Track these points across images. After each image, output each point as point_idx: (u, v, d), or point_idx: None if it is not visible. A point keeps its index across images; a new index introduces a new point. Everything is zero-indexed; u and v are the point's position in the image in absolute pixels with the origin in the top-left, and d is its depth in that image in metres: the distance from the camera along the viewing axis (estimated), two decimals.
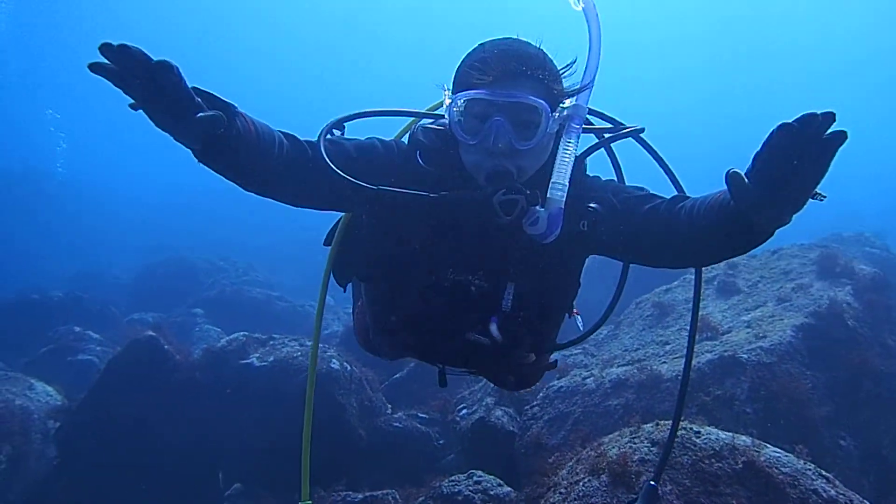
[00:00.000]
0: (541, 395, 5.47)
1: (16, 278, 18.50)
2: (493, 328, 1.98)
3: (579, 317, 2.46)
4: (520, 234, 1.85)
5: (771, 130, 1.32)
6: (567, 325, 2.45)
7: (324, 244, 2.38)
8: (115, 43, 1.38)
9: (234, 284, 14.77)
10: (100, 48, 1.37)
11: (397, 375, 7.45)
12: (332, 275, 2.43)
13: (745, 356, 4.43)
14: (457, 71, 1.95)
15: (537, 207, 1.81)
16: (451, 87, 1.96)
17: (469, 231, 1.92)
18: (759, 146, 1.37)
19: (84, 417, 5.98)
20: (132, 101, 1.47)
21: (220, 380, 6.08)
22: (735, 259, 6.28)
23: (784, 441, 3.94)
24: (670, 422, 3.07)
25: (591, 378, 5.15)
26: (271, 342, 6.60)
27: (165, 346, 6.03)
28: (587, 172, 2.10)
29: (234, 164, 1.73)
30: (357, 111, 2.07)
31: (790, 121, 1.28)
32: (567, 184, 1.80)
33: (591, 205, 1.89)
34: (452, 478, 4.77)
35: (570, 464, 3.21)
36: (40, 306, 11.95)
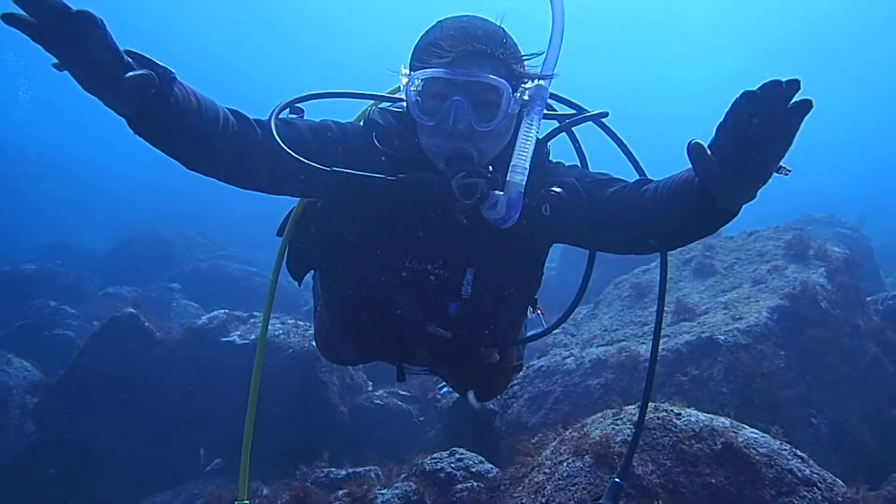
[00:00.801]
0: (520, 373, 5.55)
1: None
2: (452, 313, 1.93)
3: (543, 317, 2.39)
4: (479, 219, 1.79)
5: (734, 98, 1.27)
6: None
7: (277, 234, 2.26)
8: None
9: (211, 259, 14.64)
10: None
11: None
12: (287, 267, 2.28)
13: (721, 338, 4.54)
14: (414, 49, 1.86)
15: (496, 191, 1.73)
16: (409, 67, 1.86)
17: (427, 216, 1.86)
18: (723, 116, 1.32)
19: (63, 393, 5.95)
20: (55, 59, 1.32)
21: (200, 357, 6.08)
22: (711, 241, 6.40)
23: (759, 420, 4.06)
24: (652, 404, 3.16)
25: (571, 358, 5.24)
26: (252, 320, 6.60)
27: (146, 324, 6.00)
28: (550, 158, 2.03)
29: (172, 137, 1.60)
30: (311, 92, 1.96)
31: (753, 88, 1.24)
32: (528, 167, 1.74)
33: (554, 188, 1.84)
34: (434, 455, 4.83)
35: (554, 444, 3.28)
36: (12, 279, 11.77)
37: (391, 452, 5.81)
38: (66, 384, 5.98)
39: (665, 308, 5.26)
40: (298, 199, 2.21)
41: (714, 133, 1.34)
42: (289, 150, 1.70)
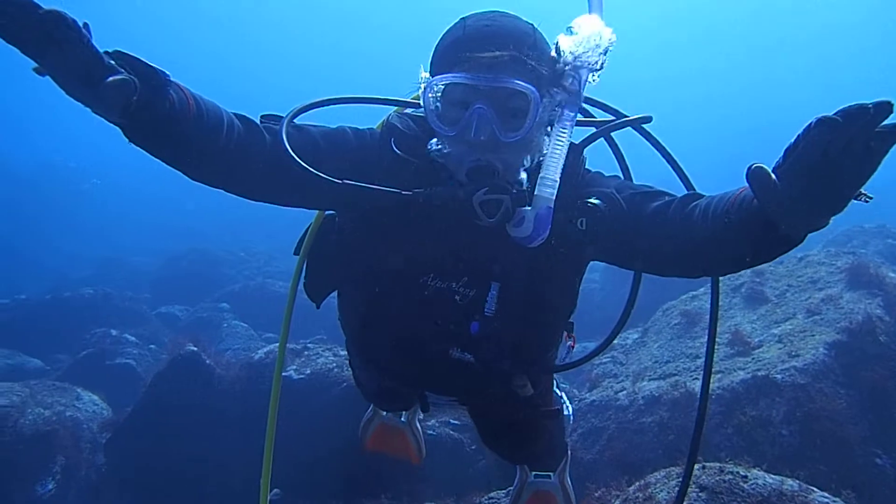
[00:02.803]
0: (573, 406, 5.62)
1: (44, 267, 18.94)
2: (473, 332, 1.78)
3: (575, 347, 2.24)
4: (506, 237, 1.64)
5: (807, 124, 1.11)
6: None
7: (294, 254, 2.15)
8: None
9: (257, 277, 14.99)
10: None
11: None
12: (304, 289, 2.15)
13: (779, 377, 4.54)
14: (435, 50, 1.71)
15: (524, 207, 1.60)
16: (429, 69, 1.73)
17: (448, 233, 1.72)
18: (792, 139, 1.15)
19: (132, 430, 6.20)
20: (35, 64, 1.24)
21: (260, 393, 6.27)
22: (760, 266, 6.36)
23: (822, 463, 4.07)
24: (717, 464, 3.20)
25: (624, 392, 5.28)
26: (306, 352, 6.77)
27: (207, 361, 6.21)
28: (587, 167, 1.88)
29: (169, 145, 1.49)
30: (327, 97, 1.82)
31: (832, 114, 1.06)
32: (558, 179, 1.59)
33: (591, 200, 1.68)
34: (491, 495, 4.95)
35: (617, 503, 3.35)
36: (72, 304, 12.26)
37: (445, 484, 5.92)
38: (134, 421, 6.23)
39: (718, 339, 5.22)
40: (315, 213, 2.09)
41: (782, 156, 1.18)
42: (298, 160, 1.58)
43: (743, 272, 6.19)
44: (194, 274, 15.85)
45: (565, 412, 3.21)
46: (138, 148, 1.46)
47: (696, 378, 5.07)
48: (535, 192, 1.59)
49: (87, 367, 8.68)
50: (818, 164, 1.11)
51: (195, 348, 6.24)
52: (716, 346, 5.32)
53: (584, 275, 1.97)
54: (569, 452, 2.93)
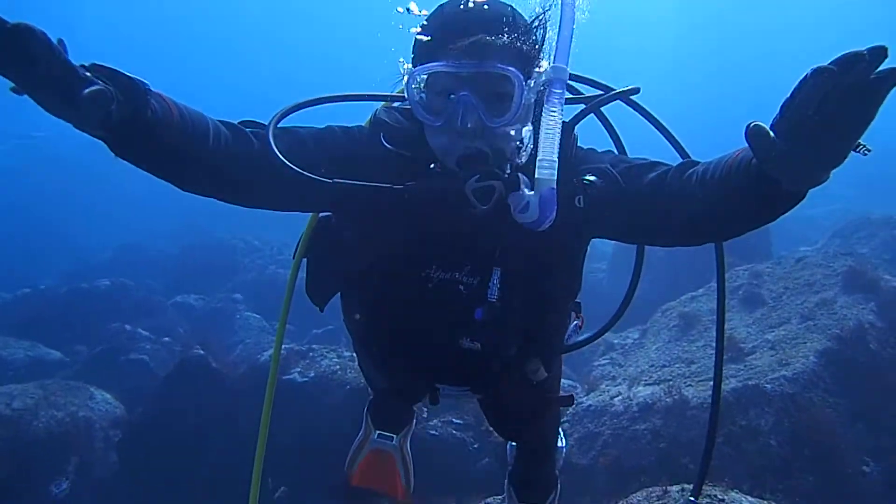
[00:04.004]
0: (570, 410, 5.72)
1: (64, 253, 19.30)
2: (478, 319, 1.75)
3: (581, 329, 2.24)
4: (502, 217, 1.62)
5: (803, 76, 1.09)
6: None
7: (292, 257, 2.12)
8: None
9: (271, 266, 15.16)
10: None
11: None
12: (306, 292, 2.10)
13: (768, 386, 4.60)
14: (415, 40, 1.68)
15: (525, 191, 1.58)
16: (410, 61, 1.71)
17: (445, 223, 1.68)
18: (788, 94, 1.14)
19: (142, 430, 6.41)
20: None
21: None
22: (759, 268, 6.38)
23: (809, 472, 4.14)
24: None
25: (619, 398, 5.37)
26: (311, 354, 6.91)
27: (213, 364, 6.38)
28: (579, 144, 1.85)
29: (155, 156, 1.47)
30: (311, 98, 1.80)
31: (826, 64, 1.05)
32: (556, 159, 1.56)
33: (587, 177, 1.68)
34: (488, 500, 5.08)
35: None
36: (90, 295, 12.52)
37: (447, 484, 6.07)
38: (145, 421, 6.44)
39: (711, 344, 5.24)
40: (309, 215, 2.08)
41: (779, 112, 1.17)
42: (287, 163, 1.56)
43: (741, 274, 6.22)
44: (209, 262, 16.05)
45: (560, 444, 3.25)
46: (125, 161, 1.43)
47: (690, 384, 5.14)
48: (535, 176, 1.56)
49: (102, 362, 8.90)
50: (815, 117, 1.10)
51: (202, 352, 6.41)
52: (710, 352, 5.37)
53: (586, 252, 1.95)
54: (559, 486, 2.98)
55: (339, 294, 2.16)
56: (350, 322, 2.17)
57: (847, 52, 1.03)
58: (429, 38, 1.62)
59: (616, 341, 7.09)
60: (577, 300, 2.18)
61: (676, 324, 6.22)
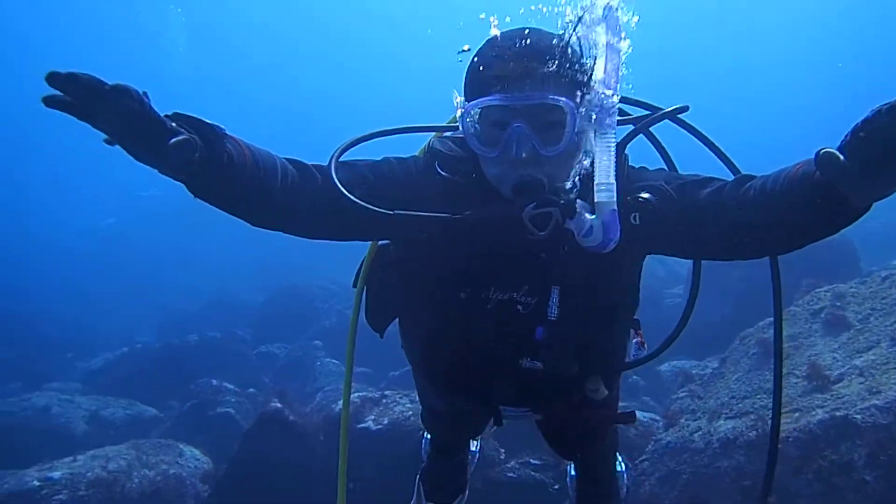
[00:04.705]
0: (650, 447, 5.52)
1: (158, 307, 20.43)
2: (538, 339, 1.79)
3: (643, 347, 2.25)
4: (560, 239, 1.67)
5: (877, 108, 1.17)
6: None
7: (353, 286, 2.19)
8: (62, 72, 1.23)
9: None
10: (46, 79, 1.22)
11: None
12: (366, 319, 2.20)
13: (858, 417, 4.29)
14: (466, 74, 1.76)
15: (587, 216, 1.63)
16: (463, 94, 1.77)
17: (502, 248, 1.75)
18: (860, 121, 1.21)
19: (229, 485, 6.62)
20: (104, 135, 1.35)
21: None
22: (842, 289, 6.01)
23: None
24: None
25: (699, 433, 5.14)
26: (384, 400, 6.98)
27: (290, 417, 6.54)
28: (630, 164, 1.90)
29: (230, 195, 1.58)
30: (369, 132, 1.89)
31: None
32: (614, 182, 1.60)
33: (642, 195, 1.70)
34: None
35: None
36: (180, 352, 13.31)
37: None
38: (230, 476, 6.64)
39: (796, 372, 4.96)
40: (369, 244, 2.17)
41: (849, 136, 1.24)
42: (349, 195, 1.64)
43: (823, 296, 5.89)
44: (290, 310, 16.62)
45: (619, 468, 3.16)
46: (202, 200, 1.56)
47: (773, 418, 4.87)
48: (596, 199, 1.61)
49: (191, 417, 9.35)
50: (888, 148, 1.18)
51: (279, 405, 6.58)
52: (794, 381, 5.09)
53: (641, 268, 2.00)
54: None
55: (397, 320, 2.23)
56: (409, 348, 2.24)
57: None
58: (480, 68, 1.68)
59: (695, 371, 6.81)
60: (636, 318, 2.21)
61: (756, 351, 5.92)
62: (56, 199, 38.28)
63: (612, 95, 1.64)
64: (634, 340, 2.25)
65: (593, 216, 1.61)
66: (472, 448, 3.38)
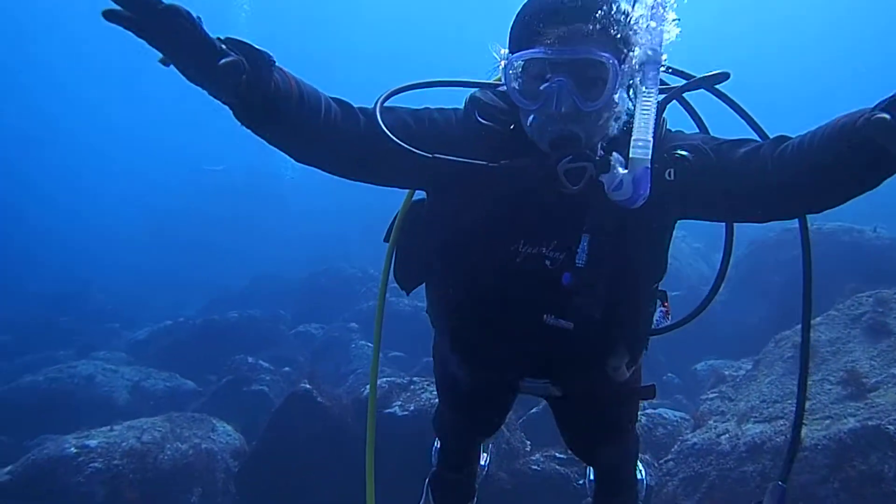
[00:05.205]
0: (676, 447, 5.45)
1: (207, 284, 20.95)
2: (565, 284, 1.78)
3: (668, 317, 2.23)
4: (595, 199, 1.69)
5: None
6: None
7: (384, 241, 2.23)
8: None
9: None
10: None
11: (533, 410, 7.65)
12: (394, 276, 2.23)
13: (891, 427, 4.16)
14: (511, 27, 1.77)
15: (620, 170, 1.62)
16: (507, 46, 1.79)
17: (535, 200, 1.77)
18: None
19: (257, 462, 6.79)
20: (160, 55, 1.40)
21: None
22: (884, 294, 5.79)
23: None
24: None
25: (726, 436, 5.05)
26: (412, 386, 7.03)
27: (318, 399, 6.65)
28: (668, 127, 1.89)
29: (275, 125, 1.61)
30: (414, 82, 1.92)
31: None
32: (650, 139, 1.61)
33: (679, 151, 1.71)
34: None
35: None
36: (220, 328, 13.69)
37: None
38: (259, 454, 6.80)
39: (831, 378, 4.84)
40: (403, 200, 2.21)
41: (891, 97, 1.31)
42: (393, 137, 1.68)
43: (864, 301, 5.70)
44: (330, 291, 16.92)
45: (640, 476, 3.12)
46: (245, 128, 1.61)
47: (805, 424, 4.74)
48: (630, 155, 1.61)
49: (226, 393, 9.57)
50: None
51: (308, 386, 6.69)
52: (828, 387, 4.94)
53: (672, 233, 1.96)
54: None
55: (424, 285, 2.24)
56: (435, 310, 2.24)
57: None
58: (524, 22, 1.69)
59: (727, 372, 6.68)
60: (663, 289, 2.19)
61: (791, 355, 5.76)
62: (125, 183, 39.18)
63: (658, 54, 1.65)
64: (660, 310, 2.23)
65: (625, 171, 1.61)
66: (482, 462, 3.37)
